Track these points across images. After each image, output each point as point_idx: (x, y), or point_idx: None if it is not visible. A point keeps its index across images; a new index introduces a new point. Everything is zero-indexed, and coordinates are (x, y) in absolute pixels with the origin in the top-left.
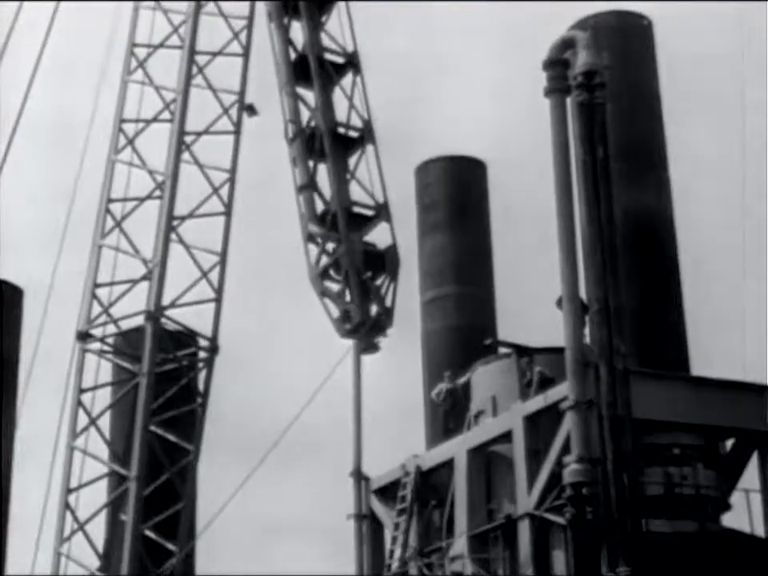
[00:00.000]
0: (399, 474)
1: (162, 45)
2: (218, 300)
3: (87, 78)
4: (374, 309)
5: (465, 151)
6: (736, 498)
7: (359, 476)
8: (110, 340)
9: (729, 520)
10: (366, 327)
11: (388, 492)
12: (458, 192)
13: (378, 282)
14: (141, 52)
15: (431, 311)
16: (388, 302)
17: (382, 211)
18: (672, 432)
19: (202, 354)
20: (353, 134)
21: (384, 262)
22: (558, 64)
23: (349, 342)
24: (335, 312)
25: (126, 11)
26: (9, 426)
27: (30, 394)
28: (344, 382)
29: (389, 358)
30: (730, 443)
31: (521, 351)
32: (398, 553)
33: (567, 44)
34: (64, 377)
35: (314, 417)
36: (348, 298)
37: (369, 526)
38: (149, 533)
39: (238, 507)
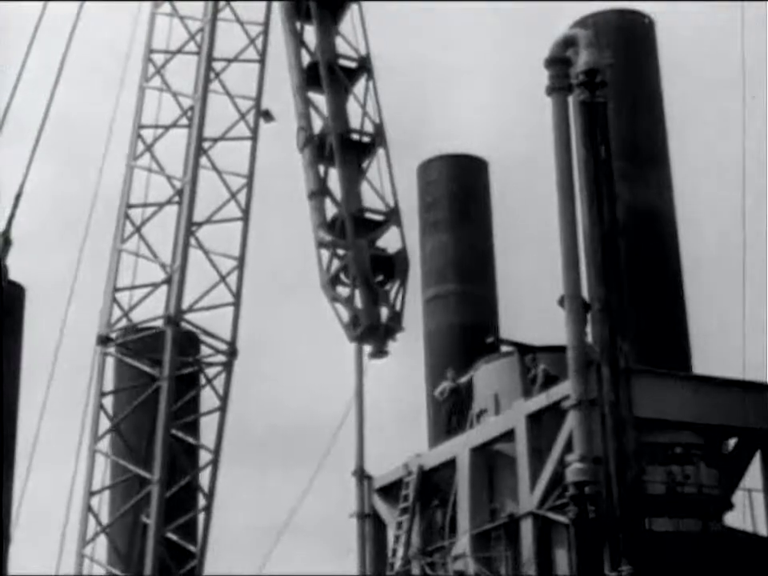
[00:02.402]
0: (402, 473)
1: (179, 51)
2: (236, 304)
3: (87, 81)
4: (383, 313)
5: (466, 150)
6: (738, 498)
7: (362, 475)
8: (123, 340)
9: (731, 519)
10: (374, 332)
11: (390, 491)
12: (460, 190)
13: (388, 286)
14: (157, 58)
15: (433, 309)
16: (397, 307)
17: (392, 216)
18: (674, 431)
19: (222, 358)
20: (365, 139)
21: (393, 266)
22: (559, 62)
23: (364, 347)
24: (345, 317)
25: (130, 15)
26: (10, 426)
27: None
28: (348, 380)
29: (391, 356)
30: (732, 442)
31: (523, 349)
32: (400, 552)
33: (569, 42)
34: (71, 377)
35: (316, 416)
36: (357, 302)
37: (371, 525)
38: (170, 535)
39: (238, 507)
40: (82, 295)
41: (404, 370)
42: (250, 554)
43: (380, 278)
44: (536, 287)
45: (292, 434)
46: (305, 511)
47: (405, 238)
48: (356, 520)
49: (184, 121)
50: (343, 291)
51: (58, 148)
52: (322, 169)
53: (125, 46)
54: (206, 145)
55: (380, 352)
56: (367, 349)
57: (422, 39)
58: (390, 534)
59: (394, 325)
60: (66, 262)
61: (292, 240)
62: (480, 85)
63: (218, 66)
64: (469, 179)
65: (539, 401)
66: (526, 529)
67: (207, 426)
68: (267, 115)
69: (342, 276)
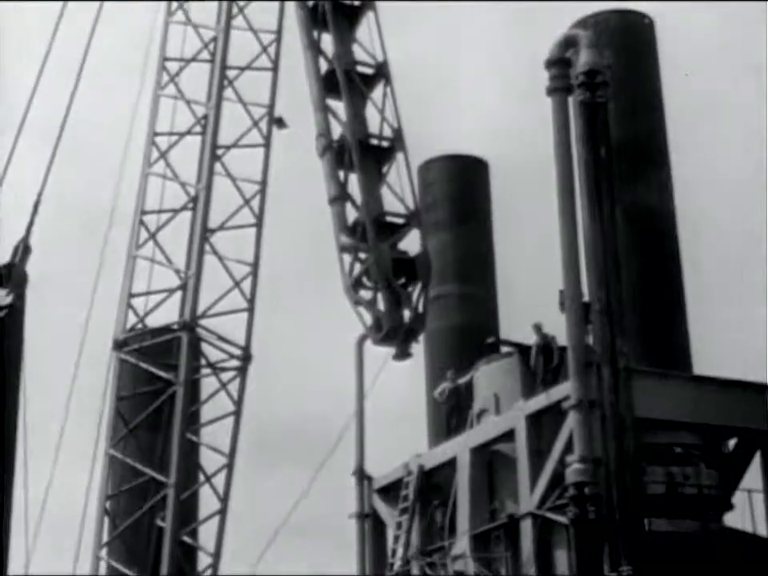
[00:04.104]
0: (402, 474)
1: (193, 59)
2: (250, 310)
3: (96, 84)
4: (405, 315)
5: (467, 150)
6: (738, 498)
7: (362, 475)
8: (137, 346)
9: (731, 520)
10: (397, 334)
11: (390, 491)
12: (460, 191)
13: (410, 288)
14: (171, 66)
15: (433, 310)
16: (420, 309)
17: (413, 219)
18: (674, 431)
19: (236, 363)
20: (384, 143)
21: (415, 269)
22: (559, 63)
23: (383, 350)
24: (368, 320)
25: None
26: (11, 428)
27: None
28: (350, 380)
29: (391, 356)
30: (732, 443)
31: (523, 350)
32: (400, 552)
33: (569, 43)
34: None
35: (322, 416)
36: (380, 305)
37: (371, 525)
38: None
39: (238, 507)
40: (83, 298)
41: (404, 371)
42: (248, 554)
43: (402, 280)
44: (536, 288)
45: (296, 434)
46: (305, 511)
47: (426, 240)
48: (356, 520)
49: (198, 128)
50: (365, 294)
51: (65, 151)
52: (342, 174)
53: (139, 51)
54: (219, 152)
55: (403, 354)
56: (386, 350)
57: (421, 40)
58: (390, 534)
59: (417, 326)
60: (66, 265)
61: (295, 242)
62: (480, 85)
63: (231, 73)
64: (469, 180)
65: (539, 401)
66: (526, 529)
67: (218, 430)
68: (280, 122)
69: (365, 279)
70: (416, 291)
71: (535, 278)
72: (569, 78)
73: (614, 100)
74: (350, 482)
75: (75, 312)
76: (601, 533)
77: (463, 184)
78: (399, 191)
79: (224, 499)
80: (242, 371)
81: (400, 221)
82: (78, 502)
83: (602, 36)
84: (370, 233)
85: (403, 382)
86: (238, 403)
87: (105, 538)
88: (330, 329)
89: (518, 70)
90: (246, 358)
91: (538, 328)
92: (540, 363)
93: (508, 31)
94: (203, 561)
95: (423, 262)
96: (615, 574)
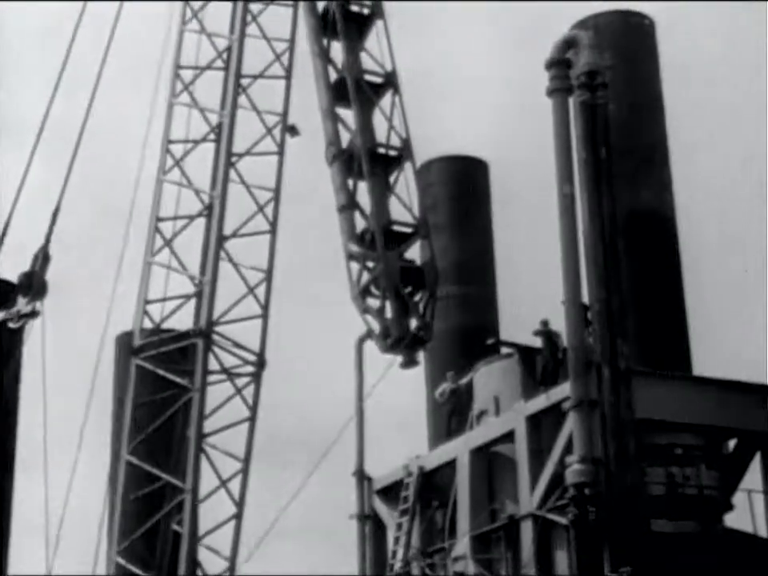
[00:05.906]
0: (402, 475)
1: (208, 67)
2: (264, 316)
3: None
4: (413, 324)
5: (467, 151)
6: (738, 499)
7: (362, 476)
8: (153, 352)
9: (731, 520)
10: (404, 342)
11: (390, 492)
12: (460, 192)
13: (417, 297)
14: (185, 74)
15: None
16: (427, 317)
17: (420, 228)
18: (674, 432)
19: (250, 369)
20: (392, 153)
21: (423, 277)
22: (560, 64)
23: (389, 356)
24: (377, 328)
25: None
26: (10, 428)
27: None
28: (352, 383)
29: (390, 358)
30: (732, 443)
31: (523, 351)
32: (400, 553)
33: (569, 44)
34: (79, 382)
35: (317, 417)
36: (388, 314)
37: (371, 527)
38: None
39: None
40: (83, 301)
41: (404, 372)
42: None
43: (409, 289)
44: (536, 289)
45: (297, 436)
46: (305, 513)
47: (433, 249)
48: (356, 521)
49: (211, 136)
50: (373, 303)
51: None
52: (350, 183)
53: (150, 58)
54: (233, 159)
55: (411, 361)
56: (394, 358)
57: (422, 40)
58: (390, 535)
59: (424, 335)
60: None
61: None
62: (480, 86)
63: (244, 81)
64: (469, 181)
65: (539, 402)
66: (526, 530)
67: (225, 434)
68: (293, 130)
69: (372, 288)
70: (423, 300)
71: (535, 278)
72: (569, 79)
73: (614, 100)
74: (351, 483)
75: (83, 317)
76: (601, 533)
77: (463, 185)
78: (406, 200)
79: (239, 504)
80: (257, 377)
81: (408, 230)
82: (85, 506)
83: (603, 37)
84: (379, 241)
85: (403, 383)
86: (253, 409)
87: (119, 541)
88: (333, 331)
89: (519, 70)
90: (261, 364)
91: (544, 324)
92: (544, 358)
93: (509, 31)
94: (202, 559)
95: (431, 270)
96: (615, 574)
